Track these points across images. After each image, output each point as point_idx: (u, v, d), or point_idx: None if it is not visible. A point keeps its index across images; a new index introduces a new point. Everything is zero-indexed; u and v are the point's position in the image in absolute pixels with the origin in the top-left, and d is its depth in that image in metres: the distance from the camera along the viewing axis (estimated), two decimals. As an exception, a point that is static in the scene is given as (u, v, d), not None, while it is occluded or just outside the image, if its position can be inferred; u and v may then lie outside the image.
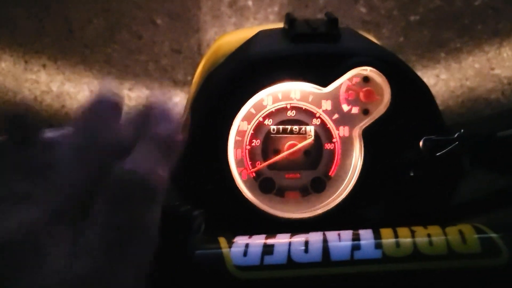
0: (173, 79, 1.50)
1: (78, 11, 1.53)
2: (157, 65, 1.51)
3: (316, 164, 0.56)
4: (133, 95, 1.49)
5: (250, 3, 1.55)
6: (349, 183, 0.55)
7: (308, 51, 0.54)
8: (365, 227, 0.46)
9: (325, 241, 0.42)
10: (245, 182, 0.55)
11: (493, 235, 0.42)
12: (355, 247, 0.42)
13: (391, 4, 1.44)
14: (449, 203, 0.55)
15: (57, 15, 1.53)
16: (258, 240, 0.43)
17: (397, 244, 0.42)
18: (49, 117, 1.49)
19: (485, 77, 1.39)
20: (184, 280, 0.40)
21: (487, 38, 1.42)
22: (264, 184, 0.55)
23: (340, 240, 0.42)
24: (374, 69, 0.54)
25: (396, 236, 0.43)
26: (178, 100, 1.48)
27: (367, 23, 1.43)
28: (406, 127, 0.54)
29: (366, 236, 0.43)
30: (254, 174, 0.55)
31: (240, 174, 0.55)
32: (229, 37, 0.67)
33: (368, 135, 0.55)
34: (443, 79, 1.33)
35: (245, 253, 0.41)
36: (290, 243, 0.42)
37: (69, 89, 1.49)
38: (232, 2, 1.55)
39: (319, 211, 0.55)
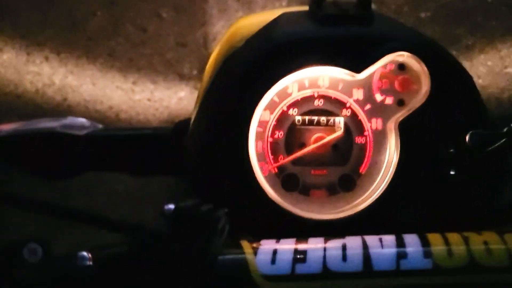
0: (178, 73, 1.47)
1: (82, 3, 1.50)
2: (162, 58, 1.48)
3: (346, 160, 0.52)
4: (137, 89, 1.45)
5: (257, -4, 1.52)
6: (382, 182, 0.51)
7: (338, 34, 0.50)
8: (399, 231, 0.42)
9: (365, 247, 0.37)
10: (266, 178, 0.52)
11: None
12: (401, 255, 0.37)
13: (401, 0, 1.42)
14: (493, 205, 0.51)
15: (60, 7, 1.50)
16: (287, 246, 0.38)
17: (450, 253, 0.37)
18: (51, 110, 1.45)
19: (497, 75, 1.37)
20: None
21: (500, 35, 1.39)
22: (288, 180, 0.52)
23: (382, 247, 0.37)
24: (411, 55, 0.50)
25: (447, 243, 0.38)
26: (183, 95, 1.44)
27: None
28: (446, 120, 0.50)
29: (412, 242, 0.38)
30: (276, 170, 0.52)
31: (261, 169, 0.51)
32: (247, 20, 0.63)
33: (404, 129, 0.51)
34: None
35: (273, 261, 0.36)
36: (325, 249, 0.37)
37: (72, 82, 1.46)
38: (239, -5, 1.51)
39: (348, 213, 0.51)
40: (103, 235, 0.36)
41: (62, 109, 1.43)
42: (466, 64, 1.36)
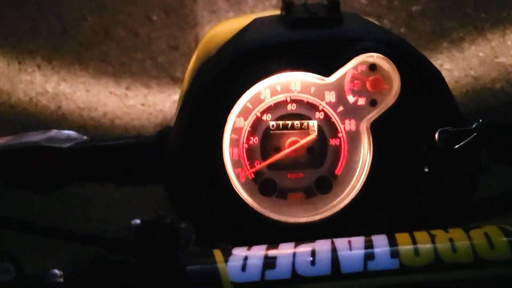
0: (171, 76, 1.46)
1: (72, 9, 1.49)
2: (154, 62, 1.48)
3: (321, 162, 0.52)
4: (130, 94, 1.45)
5: (248, -4, 1.51)
6: (358, 182, 0.52)
7: (308, 37, 0.50)
8: (376, 231, 0.42)
9: (334, 250, 0.38)
10: (243, 184, 0.52)
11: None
12: (369, 257, 0.37)
13: None
14: (468, 201, 0.51)
15: (50, 14, 1.49)
16: (258, 252, 0.38)
17: (416, 252, 0.37)
18: (45, 118, 1.45)
19: (489, 66, 1.37)
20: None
21: (491, 26, 1.39)
22: (264, 185, 0.52)
23: (351, 249, 0.38)
24: (381, 56, 0.50)
25: (414, 241, 0.38)
26: (177, 98, 1.44)
27: (368, 14, 1.41)
28: (418, 119, 0.50)
29: (380, 242, 0.39)
30: (253, 175, 0.52)
31: (237, 175, 0.52)
32: (222, 26, 0.63)
33: (377, 129, 0.51)
34: (446, 69, 1.32)
35: (243, 267, 0.37)
36: (294, 254, 0.38)
37: (65, 89, 1.46)
38: (229, -4, 1.51)
39: (326, 214, 0.51)
40: (74, 250, 0.37)
41: (56, 118, 1.43)
42: (458, 56, 1.37)
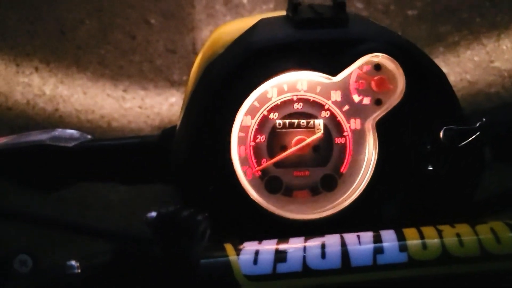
0: (168, 79, 1.47)
1: (70, 12, 1.50)
2: (151, 65, 1.48)
3: (326, 160, 0.53)
4: (128, 97, 1.45)
5: (245, 0, 1.52)
6: (363, 180, 0.52)
7: (314, 37, 0.51)
8: (381, 228, 0.43)
9: (343, 244, 0.38)
10: (250, 181, 0.52)
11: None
12: (378, 251, 0.38)
13: None
14: (472, 198, 0.51)
15: (48, 17, 1.50)
16: (269, 246, 0.39)
17: (424, 246, 0.38)
18: (42, 121, 1.45)
19: (485, 71, 1.38)
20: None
21: (486, 31, 1.41)
22: (271, 183, 0.52)
23: (360, 243, 0.38)
24: (386, 56, 0.51)
25: (421, 236, 0.39)
26: (174, 101, 1.45)
27: (364, 18, 1.41)
28: (422, 118, 0.51)
29: (389, 237, 0.39)
30: (259, 173, 0.52)
31: (244, 173, 0.52)
32: (228, 27, 0.63)
33: (381, 127, 0.52)
34: None
35: (255, 261, 0.37)
36: (305, 248, 0.38)
37: (63, 91, 1.46)
38: (227, 0, 1.52)
39: (331, 211, 0.52)
40: (91, 244, 0.37)
41: (53, 120, 1.43)
42: (453, 60, 1.37)
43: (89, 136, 0.61)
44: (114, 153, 0.58)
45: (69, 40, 1.47)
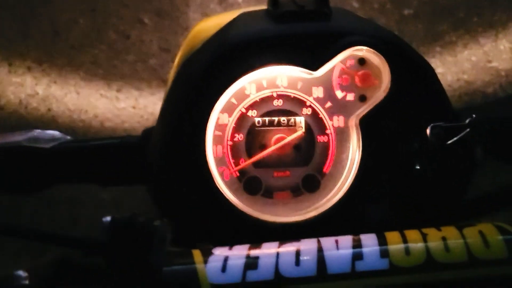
0: (162, 78, 1.45)
1: (63, 11, 1.48)
2: (145, 65, 1.47)
3: (308, 160, 0.51)
4: (121, 97, 1.44)
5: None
6: (346, 180, 0.50)
7: (295, 31, 0.49)
8: (366, 230, 0.41)
9: (320, 250, 0.36)
10: (227, 183, 0.50)
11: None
12: (357, 257, 0.35)
13: None
14: (461, 199, 0.50)
15: (41, 16, 1.48)
16: (239, 252, 0.36)
17: (407, 251, 0.36)
18: (34, 121, 1.43)
19: (482, 70, 1.37)
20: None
21: (483, 30, 1.39)
22: (250, 184, 0.51)
23: (338, 248, 0.36)
24: (370, 49, 0.49)
25: (404, 241, 0.37)
26: (168, 101, 1.43)
27: (360, 17, 1.41)
28: (409, 114, 0.49)
29: (369, 242, 0.37)
30: (237, 174, 0.51)
31: (221, 174, 0.50)
32: (208, 22, 0.61)
33: (366, 125, 0.50)
34: (439, 73, 1.31)
35: (223, 268, 0.35)
36: (278, 254, 0.36)
37: (56, 91, 1.45)
38: (221, -1, 1.50)
39: (313, 213, 0.50)
40: (43, 249, 0.35)
41: (46, 120, 1.42)
42: (450, 60, 1.36)
43: (68, 137, 0.59)
44: (93, 154, 0.57)
45: (62, 39, 1.46)
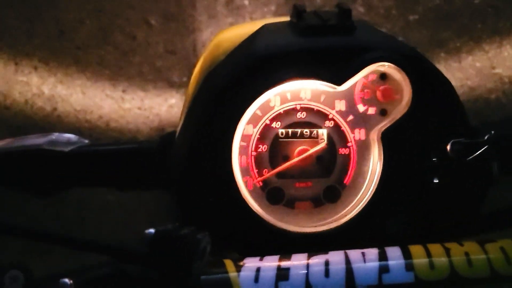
0: (168, 80, 1.46)
1: (70, 12, 1.48)
2: (151, 66, 1.47)
3: (330, 171, 0.52)
4: (127, 97, 1.44)
5: (246, 2, 1.50)
6: (367, 192, 0.51)
7: (319, 45, 0.50)
8: (385, 242, 0.42)
9: (347, 262, 0.37)
10: (251, 192, 0.51)
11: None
12: (383, 269, 0.37)
13: (389, 3, 1.41)
14: (478, 213, 0.50)
15: (48, 16, 1.48)
16: (270, 263, 0.37)
17: (431, 265, 0.37)
18: (40, 120, 1.44)
19: (486, 77, 1.37)
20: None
21: (487, 37, 1.40)
22: (272, 194, 0.51)
23: (365, 261, 0.37)
24: (392, 65, 0.50)
25: (428, 255, 0.38)
26: (174, 102, 1.43)
27: (365, 23, 1.41)
28: (429, 129, 0.50)
29: (394, 255, 0.38)
30: (261, 183, 0.51)
31: (245, 183, 0.51)
32: (230, 32, 0.62)
33: (387, 138, 0.51)
34: None
35: (256, 279, 0.36)
36: (308, 266, 0.37)
37: (61, 91, 1.45)
38: (228, 1, 1.50)
39: (334, 224, 0.51)
40: (86, 258, 0.36)
41: (51, 120, 1.42)
42: (454, 66, 1.37)
43: (86, 141, 0.60)
44: (111, 159, 0.57)
45: (68, 40, 1.46)
